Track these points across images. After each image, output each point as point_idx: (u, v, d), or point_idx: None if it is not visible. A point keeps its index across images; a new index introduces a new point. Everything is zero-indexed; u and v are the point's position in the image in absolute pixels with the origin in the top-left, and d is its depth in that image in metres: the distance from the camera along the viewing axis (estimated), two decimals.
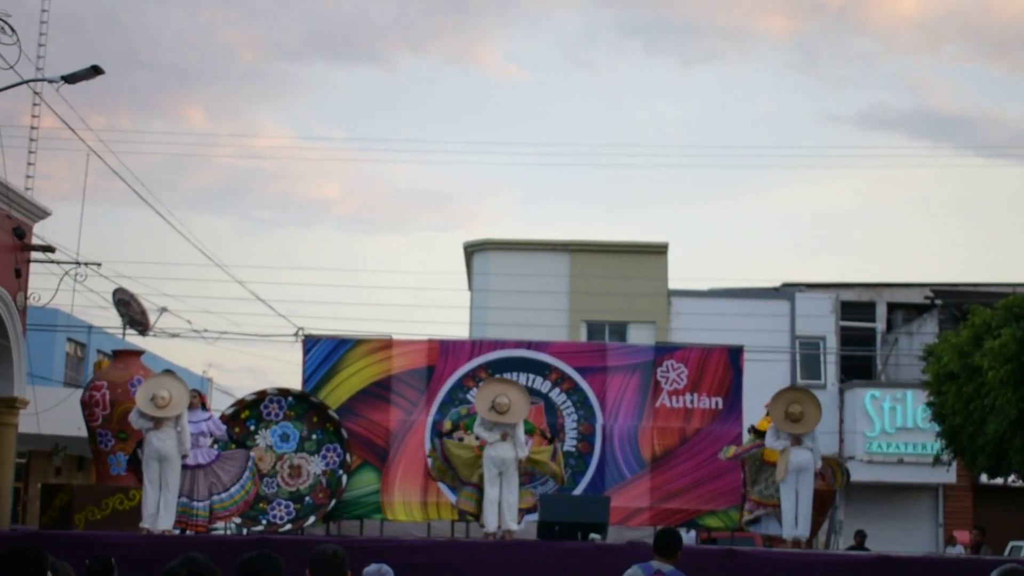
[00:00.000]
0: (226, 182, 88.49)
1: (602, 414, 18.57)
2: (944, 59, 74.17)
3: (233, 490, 16.60)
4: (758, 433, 17.18)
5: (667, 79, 77.98)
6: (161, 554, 13.10)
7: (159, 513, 15.44)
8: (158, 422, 15.41)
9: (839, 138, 73.12)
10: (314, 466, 17.91)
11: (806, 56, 75.90)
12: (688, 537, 20.83)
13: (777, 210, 70.47)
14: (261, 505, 17.63)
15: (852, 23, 75.20)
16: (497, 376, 17.75)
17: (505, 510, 16.08)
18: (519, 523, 16.49)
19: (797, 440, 16.46)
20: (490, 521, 16.03)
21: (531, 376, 18.64)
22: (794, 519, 16.40)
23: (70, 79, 20.61)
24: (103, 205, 78.10)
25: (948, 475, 31.91)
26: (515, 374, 18.47)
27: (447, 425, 17.94)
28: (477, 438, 16.42)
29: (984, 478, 28.14)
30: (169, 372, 16.67)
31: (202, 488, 16.30)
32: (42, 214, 22.08)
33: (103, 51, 79.58)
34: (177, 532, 15.81)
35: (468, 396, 18.29)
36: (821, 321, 35.57)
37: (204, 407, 16.96)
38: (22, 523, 27.11)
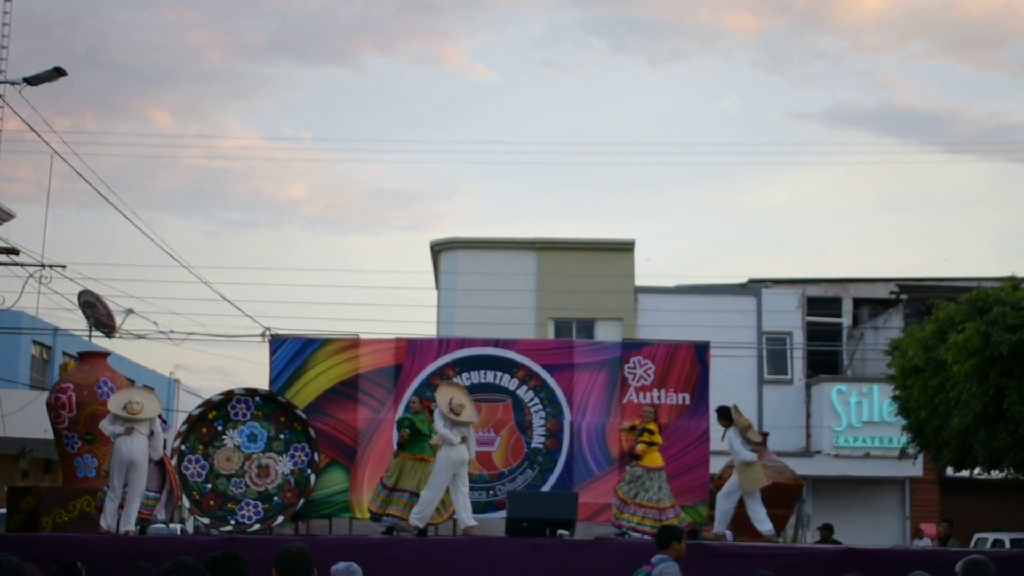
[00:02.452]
0: (193, 183, 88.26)
1: (570, 411, 18.60)
2: (910, 56, 74.62)
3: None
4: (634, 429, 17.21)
5: (634, 78, 78.21)
6: (128, 555, 13.09)
7: (119, 516, 15.77)
8: (129, 428, 15.70)
9: (805, 135, 73.49)
10: (282, 466, 17.88)
11: (772, 54, 76.24)
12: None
13: (743, 207, 70.77)
14: (229, 505, 17.61)
15: (818, 21, 75.59)
16: (446, 380, 17.75)
17: (462, 509, 16.14)
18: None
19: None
20: (428, 516, 16.10)
21: (498, 374, 18.66)
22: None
23: (33, 81, 20.55)
24: (68, 207, 77.72)
25: (914, 468, 32.15)
26: (482, 372, 18.51)
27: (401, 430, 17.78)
28: (433, 434, 16.39)
29: (950, 471, 28.32)
30: (145, 386, 17.05)
31: (154, 482, 16.69)
32: (6, 216, 22.02)
33: (67, 53, 79.20)
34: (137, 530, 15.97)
35: (436, 394, 18.29)
36: (787, 317, 35.74)
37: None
38: None
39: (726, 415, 17.06)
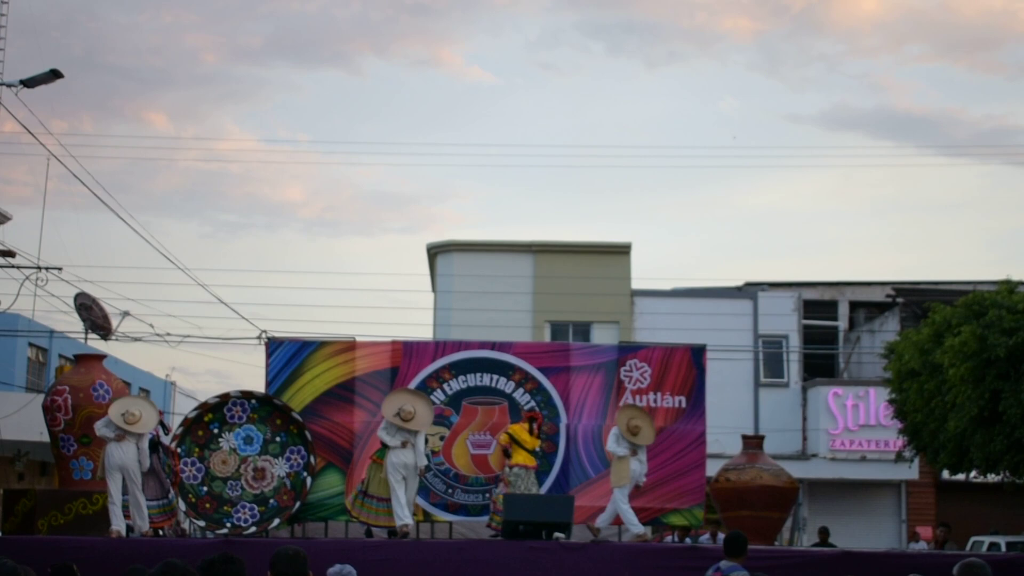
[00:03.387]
0: (190, 186, 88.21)
1: (566, 414, 18.59)
2: (906, 59, 74.70)
3: (171, 496, 17.01)
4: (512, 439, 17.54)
5: (630, 80, 78.24)
6: (124, 557, 13.10)
7: (126, 519, 16.03)
8: (120, 435, 16.04)
9: (802, 138, 73.60)
10: (278, 468, 17.87)
11: (769, 57, 76.27)
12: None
13: (740, 210, 70.80)
14: (225, 508, 17.60)
15: (814, 24, 75.63)
16: (406, 388, 17.81)
17: (403, 507, 16.36)
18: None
19: (634, 451, 16.93)
20: (403, 515, 16.33)
21: (495, 377, 18.65)
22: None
23: (29, 83, 20.54)
24: (64, 209, 77.67)
25: (910, 471, 32.16)
26: (479, 375, 18.52)
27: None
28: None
29: (946, 474, 28.35)
30: (145, 395, 17.23)
31: (151, 490, 16.72)
32: (2, 219, 21.98)
33: (64, 55, 79.11)
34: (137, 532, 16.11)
35: (432, 397, 18.30)
36: (784, 320, 35.75)
37: (162, 424, 17.23)
38: None
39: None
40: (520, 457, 17.38)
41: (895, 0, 75.14)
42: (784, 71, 76.26)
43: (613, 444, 16.94)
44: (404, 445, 16.35)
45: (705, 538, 22.20)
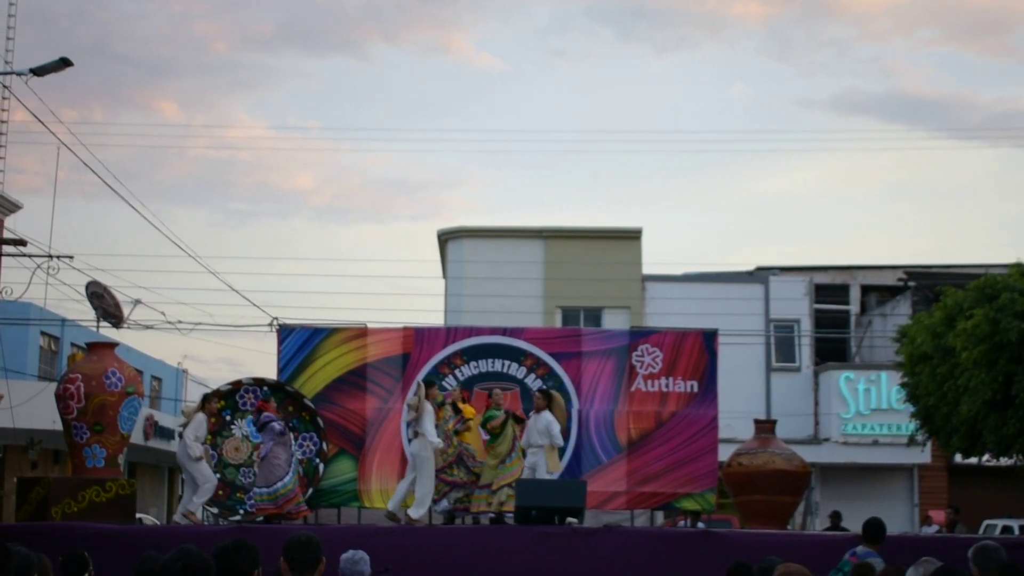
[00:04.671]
0: (200, 174, 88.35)
1: (578, 399, 18.59)
2: (917, 43, 74.55)
3: (278, 485, 16.82)
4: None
5: (640, 66, 78.16)
6: (137, 545, 13.11)
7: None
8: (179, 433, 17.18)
9: (813, 123, 73.54)
10: None
11: (780, 42, 76.13)
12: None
13: (750, 194, 70.74)
14: (238, 495, 17.64)
15: (825, 8, 75.47)
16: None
17: (412, 500, 16.50)
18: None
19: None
20: (392, 504, 16.67)
21: (506, 362, 18.65)
22: None
23: (39, 72, 20.51)
24: (75, 198, 77.85)
25: (923, 455, 32.12)
26: (490, 360, 18.53)
27: None
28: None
29: (958, 458, 28.30)
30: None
31: (260, 478, 16.95)
32: (13, 208, 21.98)
33: (74, 43, 79.28)
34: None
35: (444, 383, 18.29)
36: (795, 304, 35.71)
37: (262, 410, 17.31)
38: None
39: (549, 397, 17.16)
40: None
41: None
42: (795, 56, 76.15)
43: (559, 434, 16.98)
44: (415, 436, 16.44)
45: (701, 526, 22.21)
